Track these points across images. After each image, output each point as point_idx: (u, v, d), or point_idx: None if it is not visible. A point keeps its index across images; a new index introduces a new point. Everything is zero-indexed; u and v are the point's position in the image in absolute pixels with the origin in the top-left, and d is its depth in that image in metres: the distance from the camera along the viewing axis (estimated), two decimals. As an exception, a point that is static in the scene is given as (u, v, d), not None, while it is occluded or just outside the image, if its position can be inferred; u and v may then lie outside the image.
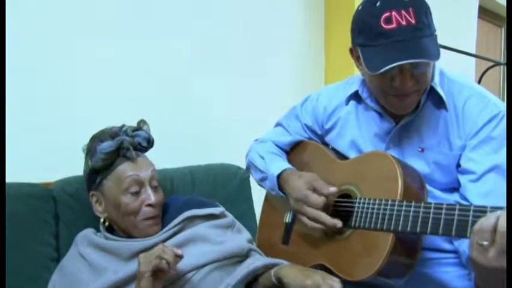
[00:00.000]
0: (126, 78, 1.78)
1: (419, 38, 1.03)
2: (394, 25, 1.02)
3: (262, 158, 1.39)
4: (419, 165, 1.18)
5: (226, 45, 2.12)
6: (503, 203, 0.87)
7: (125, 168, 1.21)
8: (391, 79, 1.09)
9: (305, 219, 1.20)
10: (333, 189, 1.17)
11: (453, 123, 1.16)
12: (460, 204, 0.93)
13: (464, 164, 1.14)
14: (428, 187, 1.17)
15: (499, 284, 0.84)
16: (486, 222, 0.81)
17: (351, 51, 1.20)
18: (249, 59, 2.21)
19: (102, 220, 1.26)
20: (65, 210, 1.33)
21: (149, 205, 1.22)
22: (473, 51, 3.35)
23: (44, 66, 1.56)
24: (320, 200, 1.17)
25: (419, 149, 1.19)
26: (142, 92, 1.83)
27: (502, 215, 0.80)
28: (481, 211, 0.87)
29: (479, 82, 3.31)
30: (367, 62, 1.07)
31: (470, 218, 0.89)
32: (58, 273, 1.22)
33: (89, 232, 1.27)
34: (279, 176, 1.31)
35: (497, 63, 2.81)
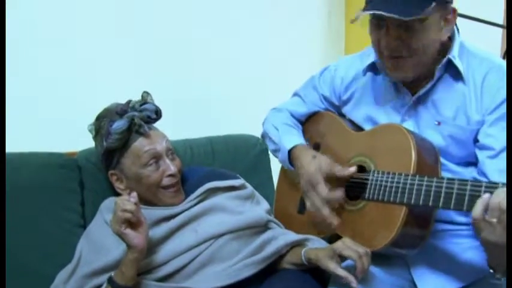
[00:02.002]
0: (141, 48, 1.83)
1: None
2: None
3: (277, 129, 1.41)
4: (435, 138, 1.18)
5: (245, 12, 2.12)
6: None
7: (140, 144, 1.24)
8: (379, 39, 1.12)
9: (308, 203, 1.25)
10: (352, 169, 1.19)
11: (471, 97, 1.15)
12: (472, 180, 0.94)
13: (482, 139, 1.13)
14: (443, 160, 1.17)
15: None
16: (493, 200, 0.83)
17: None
18: (268, 29, 2.21)
19: None
20: (90, 178, 1.39)
21: (170, 175, 1.26)
22: (500, 21, 3.23)
23: (63, 43, 1.62)
24: (328, 194, 1.20)
25: (436, 122, 1.18)
26: (161, 63, 1.87)
27: (502, 190, 0.83)
28: (493, 187, 0.88)
29: (506, 53, 3.19)
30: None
31: (482, 193, 0.90)
32: (84, 239, 1.29)
33: (113, 200, 1.32)
34: (290, 151, 1.34)
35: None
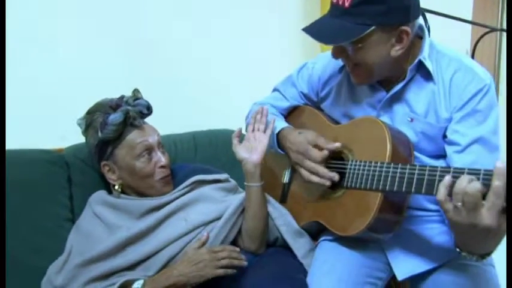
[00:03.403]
0: (125, 46, 1.86)
1: (338, 21, 1.11)
2: (335, 0, 1.11)
3: None
4: (408, 133, 1.24)
5: (226, 7, 2.16)
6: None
7: (134, 136, 1.30)
8: None
9: (303, 172, 1.28)
10: (337, 144, 1.24)
11: (440, 95, 1.21)
12: (442, 167, 1.00)
13: (450, 135, 1.20)
14: (416, 154, 1.24)
15: (473, 238, 0.95)
16: (457, 185, 0.90)
17: None
18: (248, 27, 2.25)
19: (116, 187, 1.35)
20: (77, 174, 1.43)
21: (162, 166, 1.32)
22: (469, 18, 3.35)
23: (49, 39, 1.64)
24: (320, 154, 1.24)
25: (409, 119, 1.24)
26: (145, 61, 1.90)
27: (469, 177, 0.90)
28: (459, 172, 0.94)
29: (474, 48, 3.31)
30: None
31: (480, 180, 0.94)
32: (74, 232, 1.32)
33: (101, 193, 1.37)
34: (278, 134, 1.39)
35: (493, 29, 2.83)
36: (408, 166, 1.07)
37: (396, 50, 1.15)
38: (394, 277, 1.27)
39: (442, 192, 0.93)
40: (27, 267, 1.26)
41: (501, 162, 0.87)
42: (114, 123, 1.26)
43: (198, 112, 2.02)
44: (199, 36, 2.08)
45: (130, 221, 1.28)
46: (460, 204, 0.89)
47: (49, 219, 1.34)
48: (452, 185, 0.92)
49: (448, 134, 1.20)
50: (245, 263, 1.20)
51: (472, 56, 3.49)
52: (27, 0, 1.62)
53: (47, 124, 1.63)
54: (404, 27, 1.12)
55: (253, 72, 2.24)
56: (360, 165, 1.19)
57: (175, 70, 1.99)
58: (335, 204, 1.26)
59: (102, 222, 1.29)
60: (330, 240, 1.31)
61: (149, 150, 1.31)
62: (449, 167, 0.98)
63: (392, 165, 1.11)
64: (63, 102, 1.64)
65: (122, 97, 1.34)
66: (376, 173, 1.13)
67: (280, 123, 1.42)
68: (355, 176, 1.19)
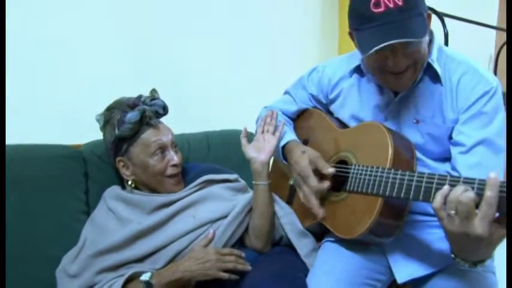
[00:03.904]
0: (143, 47, 1.93)
1: (406, 19, 1.08)
2: (382, 8, 1.08)
3: None
4: (415, 136, 1.27)
5: (241, 8, 2.20)
6: (486, 175, 0.92)
7: (149, 135, 1.36)
8: (385, 59, 1.15)
9: (300, 194, 1.34)
10: (331, 170, 1.27)
11: (447, 97, 1.23)
12: (440, 174, 1.02)
13: (455, 136, 1.22)
14: (421, 156, 1.27)
15: (466, 246, 0.97)
16: (452, 194, 0.92)
17: (350, 34, 1.25)
18: (264, 30, 2.30)
19: (129, 182, 1.41)
20: (94, 169, 1.50)
21: (174, 165, 1.38)
22: (494, 23, 3.31)
23: (65, 43, 1.72)
24: (317, 187, 1.28)
25: (415, 121, 1.27)
26: (162, 62, 1.96)
27: (464, 187, 0.92)
28: (456, 181, 0.97)
29: (498, 53, 3.25)
30: (360, 45, 1.14)
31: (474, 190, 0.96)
32: (89, 225, 1.39)
33: (116, 188, 1.43)
34: (283, 146, 1.44)
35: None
36: (408, 173, 1.09)
37: (425, 43, 1.18)
38: (395, 281, 1.29)
39: (438, 200, 0.95)
40: (43, 256, 1.33)
41: (494, 173, 0.89)
42: (131, 121, 1.32)
43: (212, 113, 2.07)
44: (215, 37, 2.13)
45: (141, 216, 1.34)
46: (453, 212, 0.92)
47: (66, 211, 1.41)
48: (448, 194, 0.94)
49: (453, 135, 1.22)
50: (249, 268, 1.26)
51: (496, 60, 3.45)
52: (48, 5, 1.70)
53: (67, 122, 1.72)
54: (429, 12, 1.16)
55: (266, 74, 2.28)
56: (362, 170, 1.22)
57: (191, 71, 2.05)
58: (338, 207, 1.29)
59: (115, 216, 1.35)
60: (333, 242, 1.34)
61: (163, 148, 1.37)
62: (446, 175, 1.00)
63: (392, 171, 1.13)
64: (82, 102, 1.72)
65: (140, 96, 1.40)
66: (378, 178, 1.16)
67: (287, 136, 1.45)
68: (357, 180, 1.22)
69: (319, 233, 1.41)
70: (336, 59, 1.51)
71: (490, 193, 0.87)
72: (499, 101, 1.19)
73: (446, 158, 1.27)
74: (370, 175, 1.18)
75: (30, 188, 1.36)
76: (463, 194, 0.91)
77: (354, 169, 1.25)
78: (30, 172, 1.38)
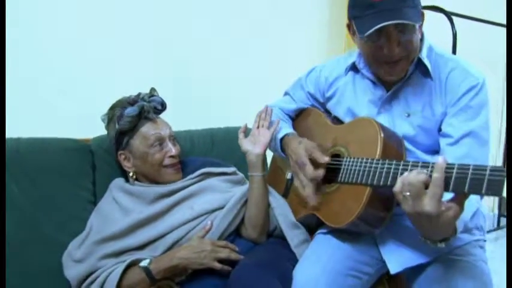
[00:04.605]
0: (153, 46, 2.00)
1: (403, 7, 1.16)
2: None
3: None
4: (406, 128, 1.32)
5: (245, 7, 2.26)
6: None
7: (148, 128, 1.44)
8: (381, 48, 1.22)
9: (297, 182, 1.39)
10: (326, 158, 1.32)
11: (437, 91, 1.28)
12: (423, 162, 1.04)
13: (444, 128, 1.27)
14: (412, 148, 1.32)
15: (422, 226, 1.03)
16: (406, 176, 0.99)
17: (348, 27, 1.32)
18: (269, 30, 2.35)
19: (131, 174, 1.49)
20: (101, 161, 1.57)
21: (171, 156, 1.45)
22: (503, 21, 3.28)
23: (78, 42, 1.81)
24: (313, 174, 1.32)
25: (406, 114, 1.32)
26: (167, 62, 2.04)
27: (417, 171, 0.99)
28: (423, 166, 1.01)
29: (506, 53, 3.22)
30: (358, 28, 1.21)
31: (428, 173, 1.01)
32: (95, 213, 1.46)
33: (120, 180, 1.51)
34: (282, 139, 1.49)
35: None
36: (394, 162, 1.12)
37: (420, 33, 1.23)
38: (387, 273, 1.32)
39: (398, 184, 1.01)
40: (52, 242, 1.40)
41: (442, 157, 0.96)
42: (130, 115, 1.40)
43: (216, 110, 2.13)
44: (219, 35, 2.19)
45: (142, 206, 1.40)
46: (408, 194, 0.98)
47: (74, 200, 1.48)
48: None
49: (442, 127, 1.28)
50: (241, 257, 1.31)
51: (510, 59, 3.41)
52: (61, 6, 1.79)
53: (78, 117, 1.81)
54: (423, 11, 1.22)
55: (270, 72, 2.32)
56: (352, 162, 1.26)
57: (195, 71, 2.11)
58: (329, 197, 1.33)
59: (119, 206, 1.42)
60: (325, 234, 1.38)
61: (161, 141, 1.44)
62: (417, 161, 1.04)
63: (380, 161, 1.17)
64: (91, 99, 1.81)
65: (139, 94, 1.49)
66: (367, 169, 1.20)
67: (285, 130, 1.51)
68: (348, 171, 1.26)
69: (314, 226, 1.45)
70: (332, 60, 1.57)
71: (436, 175, 0.95)
72: (485, 95, 1.24)
73: (436, 151, 1.31)
74: (360, 166, 1.22)
75: (42, 178, 1.44)
76: (415, 176, 0.97)
77: (346, 161, 1.29)
78: (43, 163, 1.46)
